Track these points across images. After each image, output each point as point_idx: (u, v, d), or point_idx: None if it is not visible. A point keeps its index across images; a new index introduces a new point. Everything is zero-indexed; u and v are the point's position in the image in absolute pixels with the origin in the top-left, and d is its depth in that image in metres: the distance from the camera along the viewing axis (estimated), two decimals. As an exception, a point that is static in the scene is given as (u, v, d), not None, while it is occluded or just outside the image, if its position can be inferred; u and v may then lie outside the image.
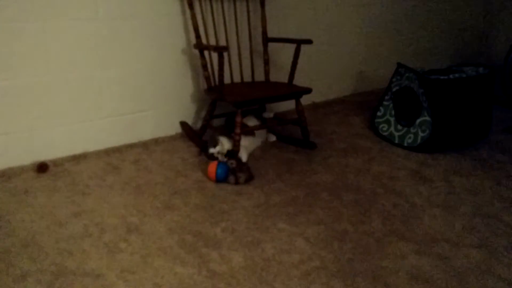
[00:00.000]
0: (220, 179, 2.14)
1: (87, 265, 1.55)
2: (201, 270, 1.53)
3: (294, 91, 2.43)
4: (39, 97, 2.23)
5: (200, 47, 2.43)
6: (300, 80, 3.18)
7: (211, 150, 2.31)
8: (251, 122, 2.59)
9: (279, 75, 3.11)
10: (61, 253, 1.60)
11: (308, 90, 2.43)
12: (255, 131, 2.55)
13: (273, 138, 2.72)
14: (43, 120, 2.28)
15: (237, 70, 2.80)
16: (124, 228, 1.77)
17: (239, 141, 2.31)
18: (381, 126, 2.80)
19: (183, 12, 2.56)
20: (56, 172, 2.22)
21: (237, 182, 2.14)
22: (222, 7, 2.59)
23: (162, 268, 1.54)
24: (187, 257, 1.60)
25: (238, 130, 2.29)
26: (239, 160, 2.21)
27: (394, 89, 2.76)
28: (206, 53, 2.52)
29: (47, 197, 1.98)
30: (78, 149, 2.41)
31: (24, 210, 1.88)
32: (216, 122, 2.88)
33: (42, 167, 2.21)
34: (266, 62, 2.70)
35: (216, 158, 2.27)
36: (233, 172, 2.15)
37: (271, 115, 2.74)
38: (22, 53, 2.13)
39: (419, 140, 2.56)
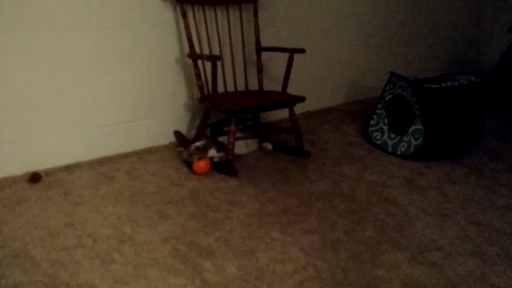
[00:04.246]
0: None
1: (80, 276, 1.53)
2: (195, 280, 1.52)
3: (288, 100, 2.44)
4: (32, 107, 2.23)
5: (194, 56, 2.44)
6: (293, 89, 3.19)
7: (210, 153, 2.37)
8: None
9: (273, 84, 3.12)
10: (53, 264, 1.59)
11: (301, 99, 2.44)
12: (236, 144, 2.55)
13: (269, 146, 2.71)
14: (35, 130, 2.27)
15: (231, 79, 2.81)
16: (117, 238, 1.76)
17: (233, 150, 2.31)
18: (374, 134, 2.82)
19: (177, 21, 2.57)
20: (48, 182, 2.20)
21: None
22: (216, 16, 2.61)
23: (156, 279, 1.53)
24: (180, 267, 1.59)
25: (232, 139, 2.30)
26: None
27: (387, 98, 2.77)
28: (199, 62, 2.52)
29: (40, 208, 1.97)
30: (71, 159, 2.40)
31: (16, 220, 1.86)
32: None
33: (34, 177, 2.20)
34: (260, 71, 2.71)
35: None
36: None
37: (270, 147, 2.71)
38: (15, 63, 2.13)
39: (412, 149, 2.57)
